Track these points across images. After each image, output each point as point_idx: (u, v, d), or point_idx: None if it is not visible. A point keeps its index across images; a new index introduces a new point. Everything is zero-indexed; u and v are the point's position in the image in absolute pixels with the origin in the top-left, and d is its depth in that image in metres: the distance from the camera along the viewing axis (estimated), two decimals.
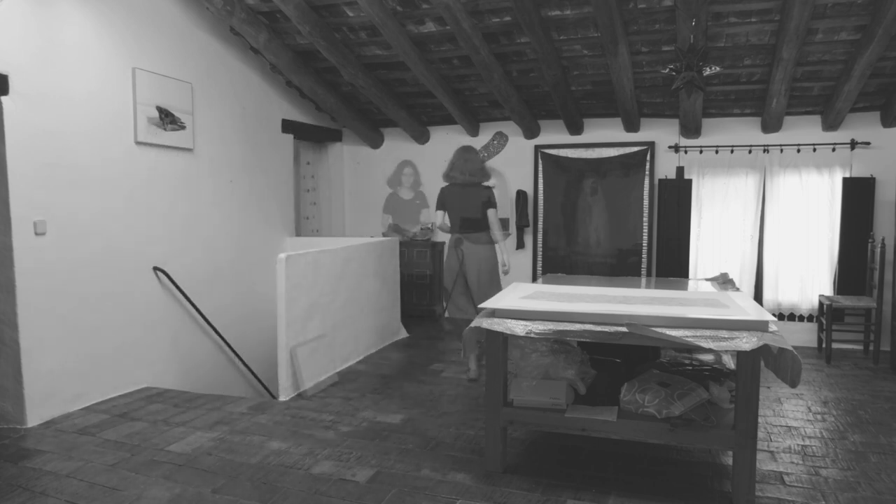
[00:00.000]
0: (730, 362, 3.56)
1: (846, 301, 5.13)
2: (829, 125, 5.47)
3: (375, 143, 7.04)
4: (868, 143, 5.43)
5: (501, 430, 2.96)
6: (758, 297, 5.75)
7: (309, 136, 6.66)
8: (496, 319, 2.81)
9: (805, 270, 5.68)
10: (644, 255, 6.03)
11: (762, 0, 4.17)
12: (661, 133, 6.03)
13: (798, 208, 5.65)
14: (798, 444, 3.32)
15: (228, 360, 5.19)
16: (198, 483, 2.87)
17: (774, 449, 3.26)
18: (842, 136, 5.51)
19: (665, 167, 6.00)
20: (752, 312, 2.74)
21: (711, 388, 2.98)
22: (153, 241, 4.50)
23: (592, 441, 3.22)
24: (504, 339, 2.91)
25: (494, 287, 4.62)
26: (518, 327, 2.74)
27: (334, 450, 3.26)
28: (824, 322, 5.18)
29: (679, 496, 2.73)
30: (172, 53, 4.65)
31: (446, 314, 4.92)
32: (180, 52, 4.73)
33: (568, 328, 2.69)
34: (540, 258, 6.46)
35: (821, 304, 5.42)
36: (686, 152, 5.91)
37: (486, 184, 4.76)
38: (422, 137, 6.85)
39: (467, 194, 4.65)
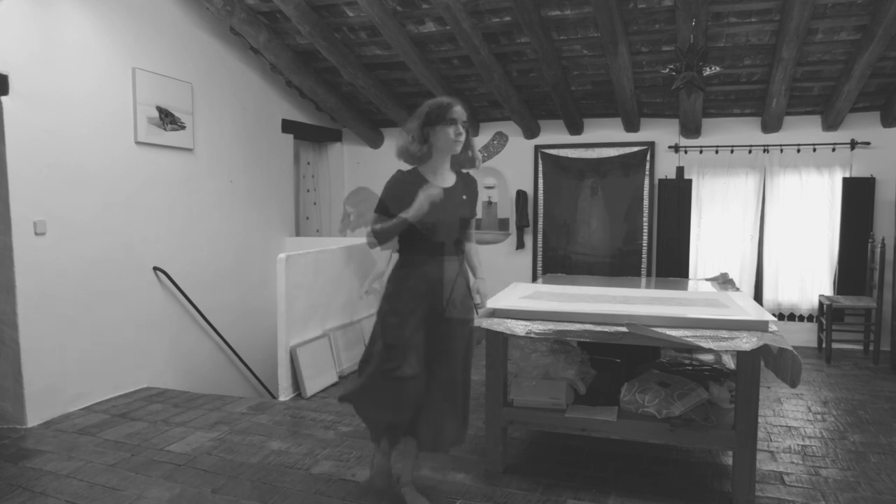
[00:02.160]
0: (730, 362, 3.56)
1: (846, 301, 5.13)
2: (829, 125, 5.47)
3: (375, 143, 7.03)
4: (868, 143, 5.43)
5: (501, 430, 2.96)
6: (758, 297, 5.74)
7: (309, 136, 6.66)
8: (496, 319, 2.81)
9: (805, 270, 5.67)
10: (644, 255, 6.03)
11: (762, 0, 4.17)
12: (661, 133, 6.03)
13: (798, 208, 5.65)
14: (798, 444, 3.32)
15: (228, 360, 5.19)
16: (198, 483, 2.87)
17: (774, 449, 3.26)
18: (842, 136, 5.50)
19: (665, 167, 6.00)
20: (752, 312, 2.74)
21: (711, 388, 2.98)
22: (153, 241, 4.50)
23: (592, 441, 3.21)
24: (504, 339, 2.91)
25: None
26: (518, 327, 2.74)
27: (334, 450, 3.26)
28: (824, 322, 5.17)
29: (679, 496, 2.73)
30: (172, 53, 4.65)
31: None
32: (180, 52, 4.73)
33: (568, 328, 2.69)
34: (540, 258, 6.46)
35: (821, 304, 5.42)
36: (686, 152, 5.91)
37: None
38: None
39: None
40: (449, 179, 2.59)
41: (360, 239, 5.99)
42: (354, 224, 4.94)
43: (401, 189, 2.46)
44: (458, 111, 2.47)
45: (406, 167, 2.59)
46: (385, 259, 5.33)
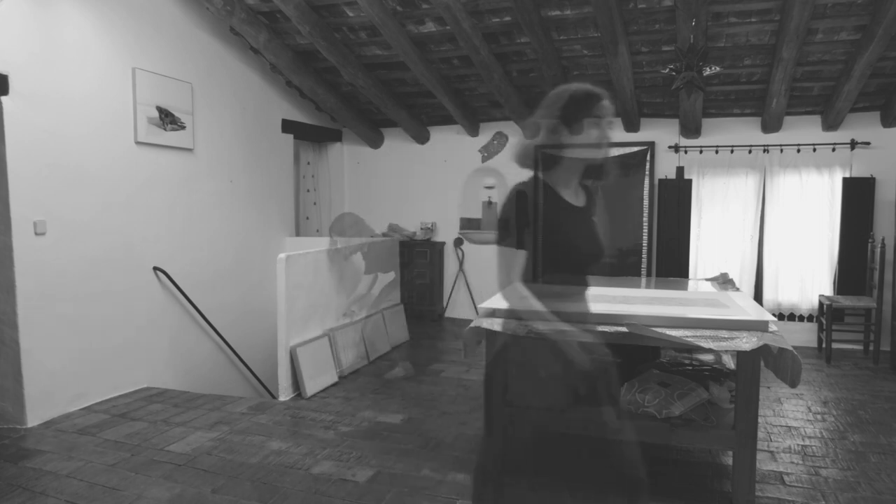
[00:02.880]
0: (730, 362, 3.55)
1: (846, 301, 5.13)
2: (829, 125, 5.47)
3: (375, 143, 7.04)
4: (868, 143, 5.43)
5: (501, 430, 2.96)
6: (758, 297, 5.74)
7: (309, 136, 6.66)
8: (496, 319, 2.81)
9: (805, 270, 5.67)
10: (644, 255, 6.03)
11: (762, 0, 4.17)
12: (661, 133, 6.03)
13: (798, 208, 5.65)
14: (798, 444, 3.32)
15: (228, 360, 5.19)
16: (198, 483, 2.87)
17: (774, 449, 3.26)
18: (842, 136, 5.50)
19: (665, 167, 6.00)
20: (752, 312, 2.74)
21: (711, 388, 2.98)
22: (153, 241, 4.50)
23: (592, 441, 3.21)
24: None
25: None
26: (518, 327, 2.73)
27: (334, 450, 3.26)
28: (824, 322, 5.17)
29: (679, 496, 2.73)
30: (172, 53, 4.65)
31: None
32: (180, 52, 4.73)
33: (568, 328, 2.68)
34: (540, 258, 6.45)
35: (821, 304, 5.42)
36: (686, 152, 5.91)
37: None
38: (422, 137, 6.85)
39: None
40: (582, 196, 2.03)
41: (360, 239, 5.99)
42: (345, 252, 4.97)
43: (525, 211, 1.92)
44: (607, 107, 1.89)
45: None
46: (367, 282, 5.32)
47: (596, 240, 2.05)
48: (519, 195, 1.92)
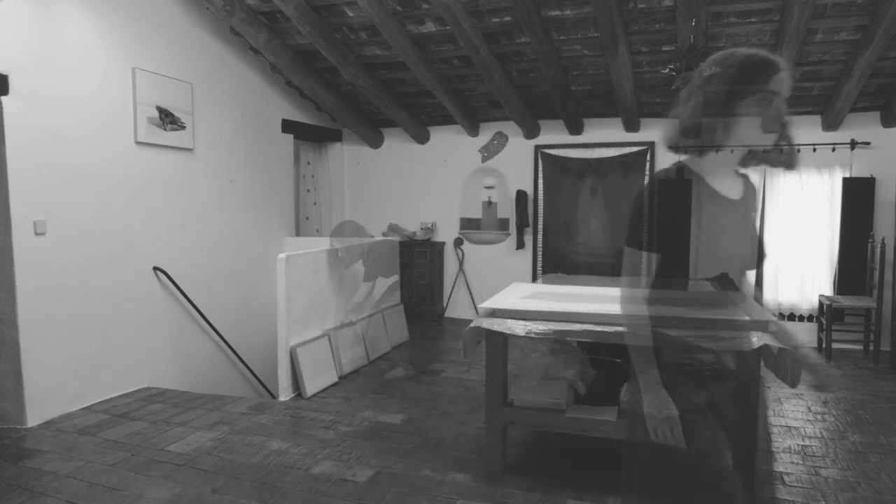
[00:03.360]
0: (730, 362, 3.55)
1: (846, 301, 5.13)
2: (829, 125, 5.47)
3: (375, 143, 7.04)
4: (868, 143, 5.43)
5: (501, 430, 2.96)
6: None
7: (309, 136, 6.66)
8: (496, 319, 2.81)
9: (805, 270, 5.67)
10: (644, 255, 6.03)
11: (762, 0, 4.17)
12: (660, 133, 6.01)
13: (798, 208, 5.65)
14: (798, 444, 3.32)
15: (228, 360, 5.19)
16: (198, 483, 2.87)
17: (774, 449, 3.26)
18: (842, 136, 5.50)
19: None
20: (753, 312, 2.73)
21: (711, 388, 2.97)
22: (153, 241, 4.50)
23: (592, 441, 3.21)
24: (504, 339, 2.91)
25: None
26: (518, 327, 2.74)
27: (334, 450, 3.26)
28: (824, 322, 5.17)
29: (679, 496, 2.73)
30: (172, 53, 4.65)
31: None
32: (180, 52, 4.73)
33: (568, 328, 2.69)
34: (540, 258, 6.46)
35: (821, 304, 5.42)
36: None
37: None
38: (422, 137, 6.85)
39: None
40: (736, 187, 1.69)
41: (360, 239, 5.98)
42: (346, 261, 4.95)
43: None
44: (785, 80, 1.50)
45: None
46: (366, 288, 5.30)
47: (755, 241, 1.70)
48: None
